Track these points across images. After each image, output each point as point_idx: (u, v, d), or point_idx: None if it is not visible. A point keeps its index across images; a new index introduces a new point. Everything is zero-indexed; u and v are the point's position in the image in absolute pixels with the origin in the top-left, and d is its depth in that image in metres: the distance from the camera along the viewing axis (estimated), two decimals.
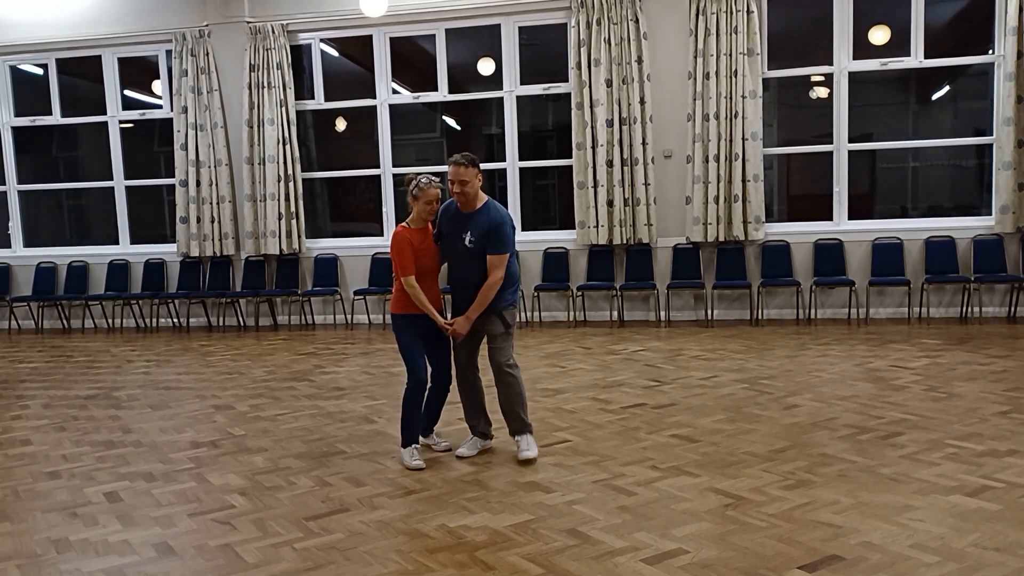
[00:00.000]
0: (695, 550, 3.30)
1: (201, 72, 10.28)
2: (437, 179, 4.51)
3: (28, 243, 11.51)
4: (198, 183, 10.43)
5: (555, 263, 9.67)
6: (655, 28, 9.20)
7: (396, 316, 4.58)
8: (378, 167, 10.36)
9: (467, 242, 4.48)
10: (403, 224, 4.54)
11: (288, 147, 10.14)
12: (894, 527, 3.44)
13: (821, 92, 9.95)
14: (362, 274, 10.20)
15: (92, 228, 12.90)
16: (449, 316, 4.65)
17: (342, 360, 7.85)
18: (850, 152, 9.20)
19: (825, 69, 9.21)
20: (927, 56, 8.89)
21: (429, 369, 4.64)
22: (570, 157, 9.55)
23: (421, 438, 4.77)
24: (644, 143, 9.19)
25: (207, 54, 10.25)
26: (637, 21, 9.10)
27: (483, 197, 4.53)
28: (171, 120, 10.58)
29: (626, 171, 9.27)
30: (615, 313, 9.51)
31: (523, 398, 4.64)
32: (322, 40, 10.32)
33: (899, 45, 9.01)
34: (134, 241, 11.14)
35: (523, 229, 10.03)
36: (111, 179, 11.09)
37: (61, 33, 10.67)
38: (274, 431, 5.39)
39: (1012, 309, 8.76)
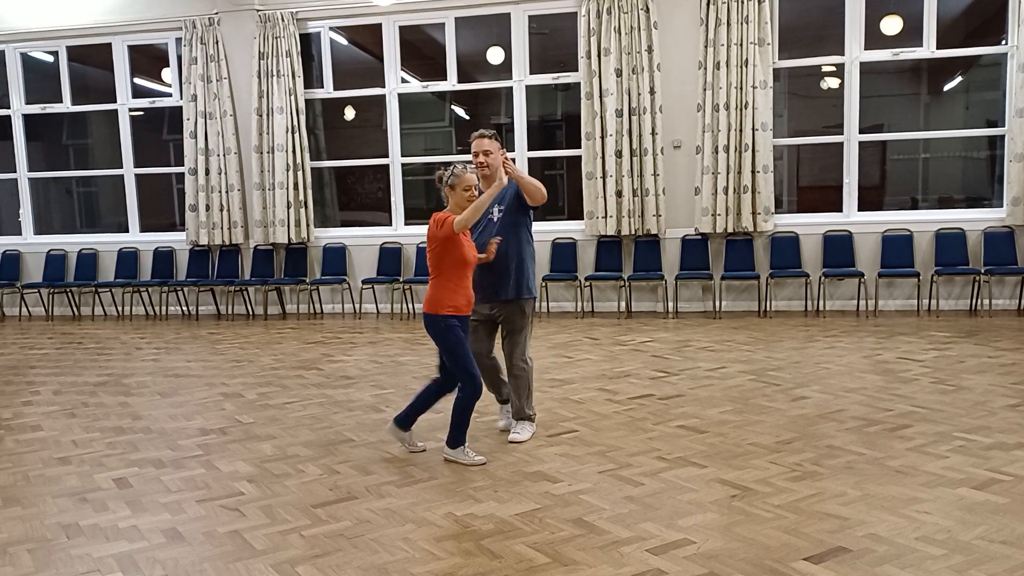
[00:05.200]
0: (701, 541, 3.31)
1: (210, 60, 10.28)
2: (471, 165, 4.43)
3: (38, 230, 11.56)
4: (207, 171, 10.45)
5: (563, 253, 9.66)
6: (665, 17, 9.16)
7: (433, 318, 4.23)
8: (387, 156, 10.36)
9: (495, 215, 4.60)
10: (445, 211, 4.28)
11: (297, 136, 10.14)
12: (901, 519, 3.44)
13: (832, 82, 9.90)
14: (370, 263, 10.22)
15: (102, 215, 12.96)
16: (473, 308, 4.62)
17: (350, 349, 7.87)
18: (860, 143, 9.15)
19: (836, 59, 9.15)
20: (939, 46, 8.82)
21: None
22: (579, 147, 9.53)
23: (401, 431, 4.56)
24: (653, 133, 9.16)
25: (216, 42, 10.25)
26: (647, 10, 9.06)
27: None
28: (180, 108, 10.59)
29: (635, 161, 9.25)
30: (623, 304, 9.50)
31: (530, 390, 4.78)
32: (331, 28, 10.31)
33: (911, 35, 8.95)
34: (143, 229, 11.17)
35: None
36: (121, 167, 11.12)
37: (71, 21, 10.69)
38: (282, 419, 5.42)
39: (1022, 302, 8.72)
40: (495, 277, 4.60)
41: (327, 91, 10.41)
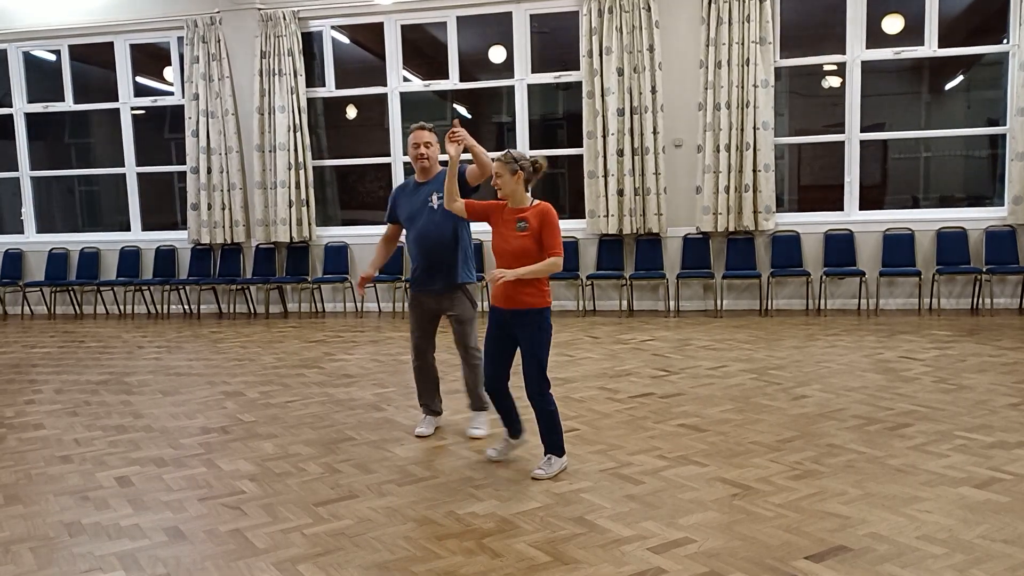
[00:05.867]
0: (702, 539, 3.31)
1: (212, 59, 10.29)
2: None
3: (41, 229, 11.58)
4: (209, 170, 10.45)
5: (565, 252, 9.62)
6: (667, 16, 9.16)
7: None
8: (389, 155, 10.37)
9: (435, 201, 4.65)
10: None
11: (299, 135, 10.15)
12: (902, 518, 3.44)
13: (833, 81, 9.89)
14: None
15: (104, 214, 12.96)
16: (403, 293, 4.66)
17: (352, 348, 7.88)
18: (862, 142, 9.15)
19: (838, 58, 9.15)
20: (941, 45, 8.82)
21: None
22: (581, 146, 9.54)
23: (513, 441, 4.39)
24: (655, 132, 9.16)
25: (218, 41, 10.26)
26: (649, 9, 9.06)
27: (438, 167, 4.81)
28: (182, 107, 10.60)
29: (636, 160, 9.25)
30: (624, 302, 9.51)
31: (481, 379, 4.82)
32: (333, 27, 10.32)
33: (913, 34, 8.94)
34: (145, 228, 11.18)
35: None
36: (123, 166, 11.13)
37: (73, 19, 10.70)
38: (284, 418, 5.42)
39: (1023, 301, 8.74)
40: (440, 266, 4.68)
41: (329, 90, 10.42)
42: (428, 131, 4.71)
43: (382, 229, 5.17)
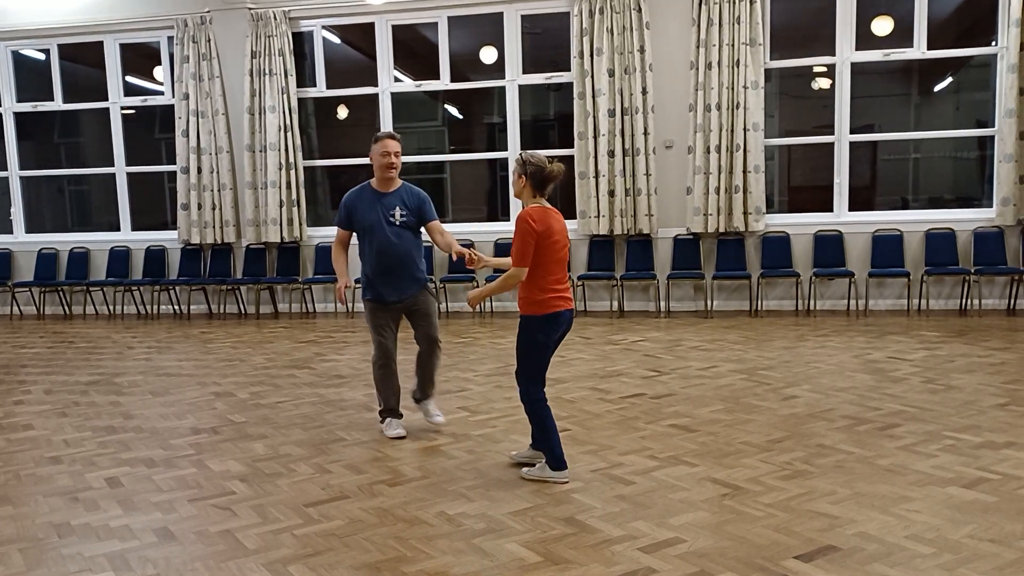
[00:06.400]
0: (692, 539, 3.32)
1: (202, 58, 10.26)
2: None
3: (30, 229, 11.52)
4: (199, 170, 10.42)
5: None
6: (657, 17, 9.18)
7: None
8: None
9: (398, 217, 4.78)
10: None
11: (289, 135, 10.13)
12: (890, 518, 3.46)
13: (823, 83, 9.93)
14: None
15: (93, 214, 12.91)
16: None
17: (342, 348, 7.87)
18: (851, 143, 9.19)
19: (827, 60, 9.19)
20: (930, 47, 8.86)
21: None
22: (572, 147, 9.54)
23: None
24: (646, 133, 9.18)
25: (208, 40, 10.23)
26: (639, 10, 9.08)
27: (399, 180, 4.92)
28: (172, 107, 10.57)
29: (627, 161, 9.27)
30: (615, 303, 9.52)
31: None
32: (324, 27, 10.29)
33: (902, 36, 8.99)
34: (135, 228, 11.14)
35: None
36: (112, 165, 11.08)
37: (63, 19, 10.65)
38: (274, 418, 5.42)
39: (1012, 302, 8.77)
40: (404, 276, 4.80)
41: (320, 90, 10.40)
42: (397, 140, 4.83)
43: None
